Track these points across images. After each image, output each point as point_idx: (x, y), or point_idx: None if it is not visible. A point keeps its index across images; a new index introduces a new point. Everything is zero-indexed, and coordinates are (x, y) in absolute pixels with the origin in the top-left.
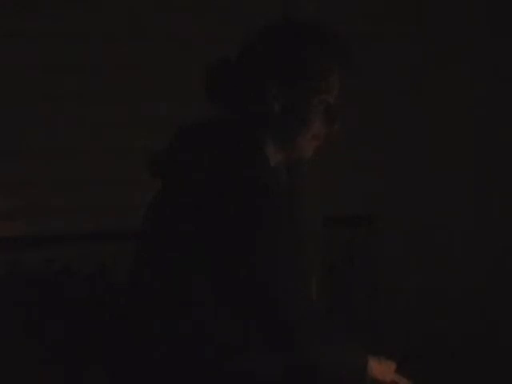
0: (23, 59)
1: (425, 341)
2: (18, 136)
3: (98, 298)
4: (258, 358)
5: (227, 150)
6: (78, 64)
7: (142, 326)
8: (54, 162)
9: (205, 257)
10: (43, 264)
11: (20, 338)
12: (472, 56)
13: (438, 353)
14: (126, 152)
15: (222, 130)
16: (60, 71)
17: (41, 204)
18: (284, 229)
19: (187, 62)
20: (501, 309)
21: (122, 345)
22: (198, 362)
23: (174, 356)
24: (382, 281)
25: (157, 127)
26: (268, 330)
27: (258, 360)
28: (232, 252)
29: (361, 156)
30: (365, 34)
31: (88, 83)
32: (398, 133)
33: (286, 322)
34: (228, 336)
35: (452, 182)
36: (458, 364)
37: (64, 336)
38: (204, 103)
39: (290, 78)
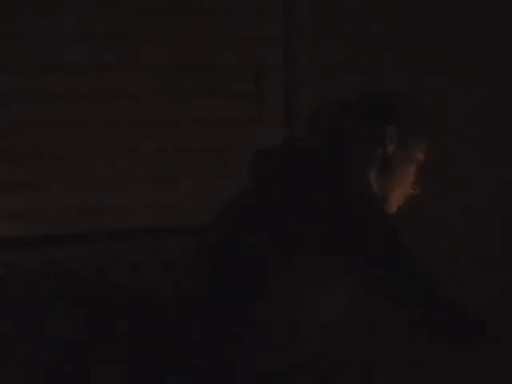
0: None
1: (424, 341)
2: (18, 136)
3: (98, 298)
4: None
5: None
6: (78, 64)
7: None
8: (54, 163)
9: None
10: (43, 264)
11: (20, 338)
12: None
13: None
14: (127, 152)
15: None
16: (60, 71)
17: (41, 204)
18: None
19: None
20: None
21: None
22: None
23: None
24: None
25: (157, 127)
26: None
27: None
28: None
29: None
30: None
31: (88, 83)
32: None
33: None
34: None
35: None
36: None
37: (64, 336)
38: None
39: (406, 130)
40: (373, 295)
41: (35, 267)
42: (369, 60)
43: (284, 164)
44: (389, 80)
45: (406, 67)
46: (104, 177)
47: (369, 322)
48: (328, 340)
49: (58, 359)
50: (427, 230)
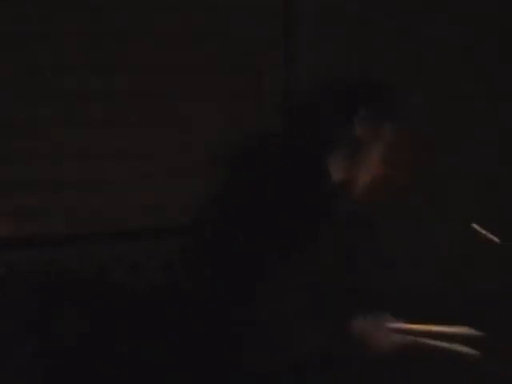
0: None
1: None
2: (18, 137)
3: (98, 298)
4: None
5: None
6: (77, 64)
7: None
8: (54, 163)
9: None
10: (43, 264)
11: (20, 338)
12: None
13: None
14: (127, 154)
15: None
16: (59, 71)
17: (41, 204)
18: None
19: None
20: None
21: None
22: None
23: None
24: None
25: (157, 128)
26: None
27: None
28: None
29: None
30: None
31: (88, 83)
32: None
33: None
34: None
35: None
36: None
37: (64, 336)
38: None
39: (371, 113)
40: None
41: (35, 267)
42: (369, 59)
43: (263, 162)
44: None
45: (404, 65)
46: (104, 177)
47: None
48: (328, 340)
49: (57, 359)
50: None
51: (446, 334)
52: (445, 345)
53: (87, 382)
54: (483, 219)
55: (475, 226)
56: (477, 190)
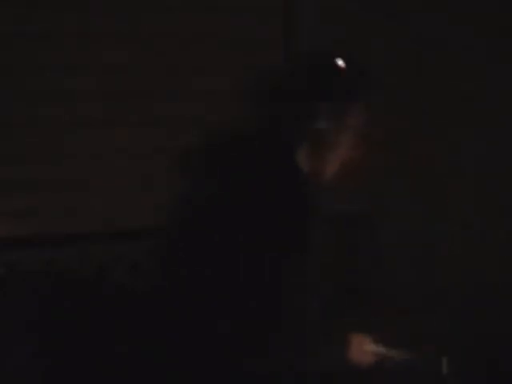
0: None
1: (424, 341)
2: (18, 137)
3: (98, 298)
4: None
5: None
6: (77, 64)
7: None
8: (54, 163)
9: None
10: (43, 264)
11: (20, 338)
12: None
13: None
14: (127, 153)
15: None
16: (59, 71)
17: (41, 204)
18: None
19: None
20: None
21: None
22: None
23: None
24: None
25: (158, 128)
26: None
27: None
28: None
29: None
30: None
31: (88, 83)
32: (397, 131)
33: None
34: None
35: None
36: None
37: (64, 336)
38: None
39: (332, 101)
40: None
41: (35, 267)
42: (368, 59)
43: (233, 160)
44: (389, 80)
45: (404, 65)
46: (104, 177)
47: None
48: (327, 339)
49: (57, 359)
50: None
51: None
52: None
53: (87, 382)
54: (483, 218)
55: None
56: (477, 190)
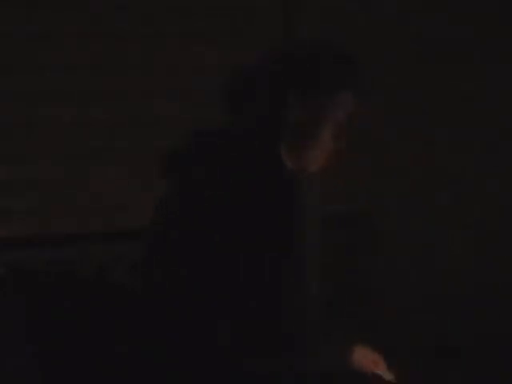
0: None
1: (424, 341)
2: (18, 137)
3: (98, 298)
4: None
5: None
6: (77, 64)
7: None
8: (54, 163)
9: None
10: (43, 264)
11: (20, 338)
12: None
13: (435, 352)
14: (127, 153)
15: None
16: (59, 71)
17: (41, 204)
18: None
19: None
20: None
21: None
22: None
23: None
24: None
25: (157, 128)
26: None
27: None
28: None
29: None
30: None
31: (88, 83)
32: (397, 131)
33: None
34: None
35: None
36: (456, 364)
37: (64, 337)
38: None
39: (307, 91)
40: None
41: (35, 267)
42: (369, 59)
43: (214, 159)
44: (389, 79)
45: (404, 65)
46: (104, 177)
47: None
48: (327, 339)
49: (57, 359)
50: None
51: None
52: None
53: (87, 382)
54: (483, 218)
55: None
56: (477, 190)
